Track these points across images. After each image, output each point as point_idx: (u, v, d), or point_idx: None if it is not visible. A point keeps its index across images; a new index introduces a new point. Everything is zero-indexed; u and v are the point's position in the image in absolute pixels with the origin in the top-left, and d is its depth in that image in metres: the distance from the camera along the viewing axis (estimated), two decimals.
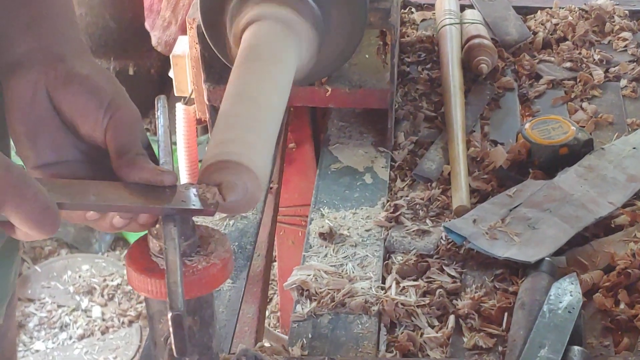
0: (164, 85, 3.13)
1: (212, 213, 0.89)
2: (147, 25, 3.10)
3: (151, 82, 3.23)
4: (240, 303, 1.21)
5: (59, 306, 2.77)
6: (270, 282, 2.66)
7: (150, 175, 0.85)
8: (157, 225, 0.90)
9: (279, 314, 2.58)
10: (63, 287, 2.83)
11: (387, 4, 1.37)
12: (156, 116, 0.99)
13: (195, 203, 0.88)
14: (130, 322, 2.71)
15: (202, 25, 1.28)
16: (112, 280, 2.84)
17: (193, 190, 0.89)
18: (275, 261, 2.22)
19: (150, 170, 0.86)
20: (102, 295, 2.79)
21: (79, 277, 2.84)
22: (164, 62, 3.08)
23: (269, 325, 2.64)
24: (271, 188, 1.65)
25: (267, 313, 2.64)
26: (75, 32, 0.95)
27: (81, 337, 2.67)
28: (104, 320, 2.72)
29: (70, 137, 0.89)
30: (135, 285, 0.90)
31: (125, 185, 0.87)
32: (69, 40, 0.92)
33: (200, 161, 1.71)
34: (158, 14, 3.05)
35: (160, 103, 1.00)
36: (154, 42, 3.12)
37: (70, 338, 2.67)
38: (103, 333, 2.68)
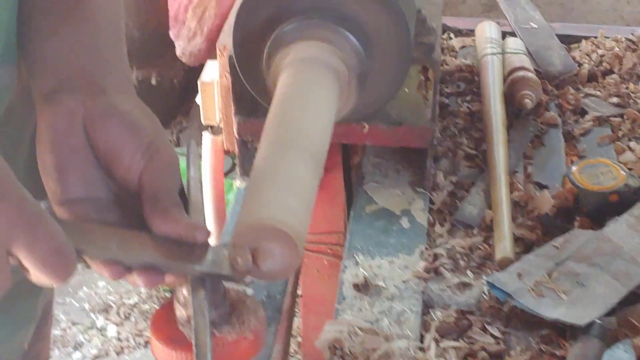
0: (187, 96, 3.07)
1: (240, 280, 0.82)
2: (171, 34, 3.04)
3: (174, 92, 3.16)
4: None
5: (74, 324, 2.69)
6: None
7: (183, 229, 0.78)
8: (185, 291, 0.83)
9: (299, 339, 2.51)
10: (78, 304, 2.75)
11: (431, 39, 1.29)
12: (187, 164, 0.91)
13: (224, 267, 0.81)
14: (147, 343, 2.62)
15: (235, 60, 1.20)
16: (128, 299, 2.76)
17: (224, 252, 0.82)
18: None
19: (184, 224, 0.79)
20: (118, 314, 2.71)
21: (95, 294, 2.75)
22: (188, 72, 3.01)
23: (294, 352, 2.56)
24: None
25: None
26: (122, 64, 0.90)
27: (95, 357, 2.59)
28: (119, 340, 2.64)
29: (101, 174, 0.82)
30: (159, 357, 0.83)
31: (152, 238, 0.79)
32: (115, 72, 0.87)
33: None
34: (183, 24, 2.99)
35: (192, 150, 0.93)
36: (178, 52, 3.06)
37: (85, 358, 2.59)
38: (118, 353, 2.60)
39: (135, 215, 0.82)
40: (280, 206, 0.85)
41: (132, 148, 0.81)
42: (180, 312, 0.83)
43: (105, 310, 2.74)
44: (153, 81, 3.21)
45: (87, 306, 2.75)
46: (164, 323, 0.85)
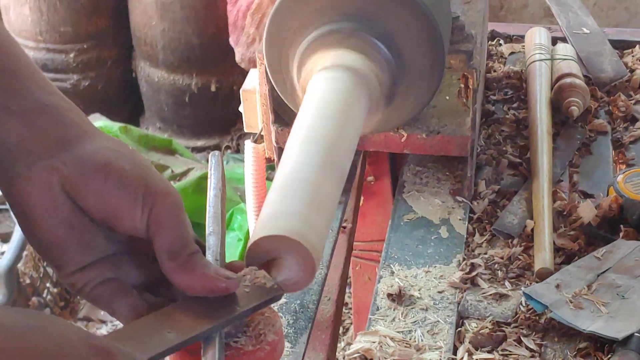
0: None
1: (280, 298, 0.81)
2: (231, 41, 3.06)
3: (234, 99, 3.18)
4: None
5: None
6: (347, 310, 2.59)
7: (213, 285, 0.75)
8: None
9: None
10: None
11: (469, 46, 1.27)
12: (209, 175, 0.91)
13: (259, 296, 0.80)
14: None
15: (267, 66, 1.20)
16: None
17: (245, 279, 0.81)
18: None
19: (213, 278, 0.75)
20: None
21: None
22: None
23: (343, 358, 2.55)
24: (344, 227, 1.56)
25: (342, 344, 2.55)
26: (63, 101, 0.78)
27: None
28: None
29: (104, 231, 0.77)
30: None
31: (185, 304, 0.77)
32: (63, 115, 0.77)
33: None
34: (242, 30, 3.00)
35: (215, 161, 0.92)
36: (237, 58, 3.07)
37: None
38: None
39: (149, 258, 0.78)
40: (299, 218, 0.84)
41: (128, 204, 0.75)
42: None
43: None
44: (212, 88, 3.24)
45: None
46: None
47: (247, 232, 2.50)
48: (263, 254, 0.82)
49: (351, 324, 2.62)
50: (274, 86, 1.23)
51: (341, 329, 2.60)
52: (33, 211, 0.74)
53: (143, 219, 0.76)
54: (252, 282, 0.79)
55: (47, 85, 0.78)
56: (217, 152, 0.92)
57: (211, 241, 0.83)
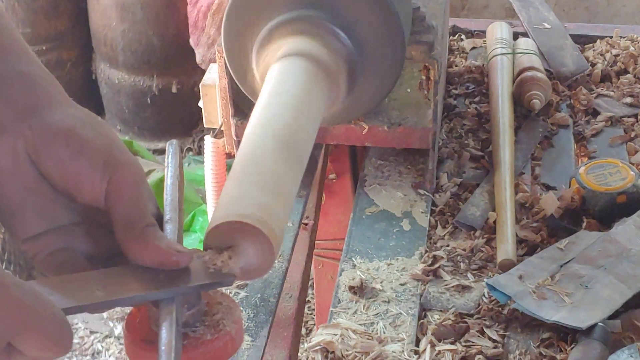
0: None
1: (231, 283, 0.79)
2: (191, 42, 3.04)
3: (195, 100, 3.14)
4: None
5: (92, 332, 2.68)
6: (309, 312, 2.57)
7: (164, 257, 0.73)
8: None
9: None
10: None
11: (430, 37, 1.26)
12: (166, 163, 0.89)
13: (208, 276, 0.78)
14: None
15: (225, 58, 1.18)
16: None
17: (203, 259, 0.79)
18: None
19: (164, 251, 0.74)
20: None
21: None
22: None
23: (307, 359, 2.53)
24: (306, 224, 1.54)
25: (304, 346, 2.53)
26: (41, 70, 0.80)
27: None
28: None
29: (63, 199, 0.77)
30: (132, 357, 0.81)
31: (131, 270, 0.75)
32: (38, 83, 0.78)
33: None
34: (203, 31, 2.98)
35: (172, 150, 0.90)
36: (198, 59, 3.05)
37: None
38: None
39: (107, 230, 0.77)
40: (254, 202, 0.82)
41: (88, 171, 0.75)
42: (153, 312, 0.81)
43: (123, 318, 2.72)
44: (174, 89, 3.21)
45: (105, 315, 2.74)
46: (138, 323, 0.82)
47: None
48: (221, 240, 0.80)
49: (314, 324, 2.60)
50: (234, 77, 1.21)
51: (304, 330, 2.59)
52: None
53: (102, 188, 0.75)
54: (210, 264, 0.77)
55: (25, 54, 0.79)
56: (174, 141, 0.90)
57: (168, 229, 0.81)
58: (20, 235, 0.76)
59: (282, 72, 1.04)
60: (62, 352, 0.68)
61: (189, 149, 3.27)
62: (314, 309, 2.43)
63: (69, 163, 0.74)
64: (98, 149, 0.75)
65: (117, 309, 2.68)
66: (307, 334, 2.58)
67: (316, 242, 1.66)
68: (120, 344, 2.65)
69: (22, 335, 0.66)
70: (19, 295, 0.65)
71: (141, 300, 0.75)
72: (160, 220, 0.79)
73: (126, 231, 0.74)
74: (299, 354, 1.43)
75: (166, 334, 0.74)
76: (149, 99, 3.23)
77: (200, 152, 3.21)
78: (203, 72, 2.89)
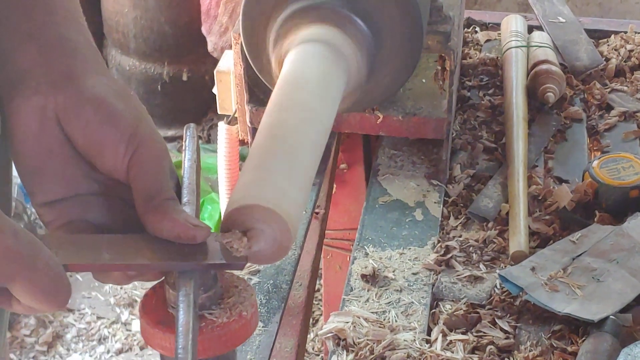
0: None
1: (242, 267, 0.79)
2: (203, 30, 3.04)
3: (205, 88, 3.15)
4: (270, 351, 1.10)
5: (99, 318, 2.68)
6: (316, 302, 2.58)
7: (181, 230, 0.73)
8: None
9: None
10: (104, 298, 2.74)
11: (447, 27, 1.26)
12: (183, 147, 0.89)
13: (223, 257, 0.78)
14: None
15: (243, 44, 1.18)
16: None
17: (219, 241, 0.79)
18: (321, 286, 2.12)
19: (182, 224, 0.74)
20: None
21: (121, 288, 2.74)
22: None
23: (312, 348, 2.54)
24: (317, 213, 1.55)
25: (311, 335, 2.53)
26: (86, 40, 0.81)
27: (119, 352, 2.58)
28: None
29: (84, 167, 0.77)
30: (148, 339, 0.81)
31: (147, 239, 0.76)
32: (79, 51, 0.79)
33: None
34: (215, 19, 2.98)
35: (189, 133, 0.90)
36: (210, 47, 3.05)
37: (108, 352, 2.58)
38: (142, 348, 2.58)
39: (125, 204, 0.78)
40: (272, 187, 0.82)
41: (114, 140, 0.75)
42: (170, 294, 0.81)
43: (130, 304, 2.73)
44: (184, 77, 3.21)
45: (112, 300, 2.75)
46: (154, 305, 0.82)
47: (218, 222, 2.48)
48: (240, 223, 0.80)
49: (321, 315, 2.60)
50: (250, 63, 1.21)
51: (311, 320, 2.59)
52: (21, 130, 0.75)
53: (125, 160, 0.75)
54: (228, 245, 0.77)
55: (74, 24, 0.81)
56: (192, 125, 0.90)
57: (186, 211, 0.82)
58: (38, 198, 0.77)
59: (300, 58, 1.04)
60: (55, 305, 0.69)
61: (199, 137, 3.27)
62: (320, 299, 2.44)
63: (95, 128, 0.75)
64: (126, 120, 0.76)
65: (124, 294, 2.70)
66: (314, 324, 2.58)
67: (326, 231, 1.66)
68: (127, 329, 2.66)
69: (14, 282, 0.67)
70: (12, 242, 0.66)
71: (147, 270, 0.75)
72: (179, 199, 0.80)
73: (146, 203, 0.74)
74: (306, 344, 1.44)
75: (184, 316, 0.74)
76: (159, 87, 3.23)
77: (209, 140, 3.21)
78: (214, 60, 2.90)
